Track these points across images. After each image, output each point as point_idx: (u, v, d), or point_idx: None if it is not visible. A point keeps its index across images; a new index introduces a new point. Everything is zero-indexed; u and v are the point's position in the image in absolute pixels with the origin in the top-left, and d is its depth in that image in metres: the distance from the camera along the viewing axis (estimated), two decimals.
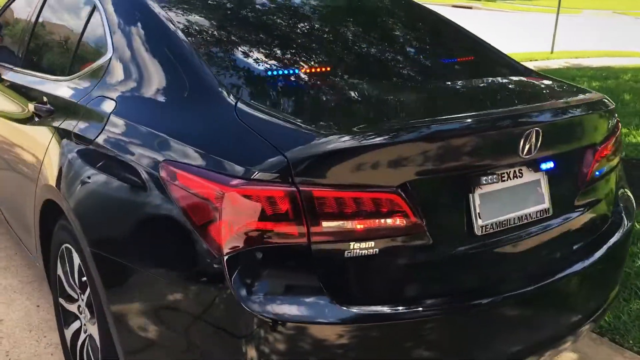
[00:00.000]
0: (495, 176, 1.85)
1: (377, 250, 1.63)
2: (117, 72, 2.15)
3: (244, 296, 1.54)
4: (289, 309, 1.56)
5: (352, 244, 1.60)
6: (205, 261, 1.61)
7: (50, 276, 2.56)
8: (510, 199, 1.90)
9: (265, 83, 2.03)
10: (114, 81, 2.15)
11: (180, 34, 2.08)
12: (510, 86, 2.44)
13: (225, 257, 1.56)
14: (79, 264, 2.18)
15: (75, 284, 2.32)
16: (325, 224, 1.57)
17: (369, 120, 1.89)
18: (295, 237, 1.56)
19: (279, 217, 1.55)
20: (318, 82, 2.09)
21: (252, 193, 1.54)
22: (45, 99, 2.53)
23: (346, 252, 1.60)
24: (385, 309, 1.64)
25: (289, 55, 2.21)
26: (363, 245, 1.61)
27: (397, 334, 1.66)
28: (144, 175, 1.79)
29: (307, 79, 2.09)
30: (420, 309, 1.68)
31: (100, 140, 2.03)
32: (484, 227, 1.82)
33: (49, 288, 2.67)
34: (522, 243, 1.92)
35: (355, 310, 1.60)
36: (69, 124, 2.26)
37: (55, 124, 2.37)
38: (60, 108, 2.43)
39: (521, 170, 1.92)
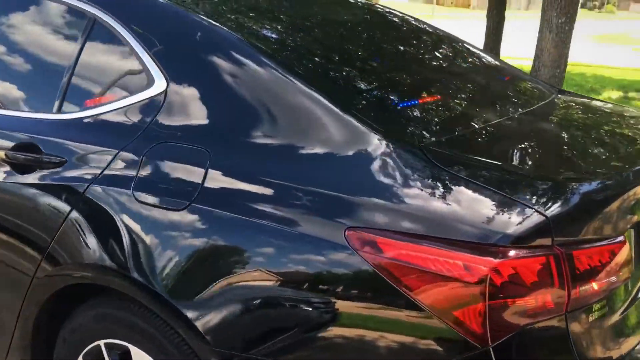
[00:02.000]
0: None
1: (612, 304, 1.54)
2: (188, 110, 1.73)
3: None
4: None
5: (596, 305, 1.47)
6: (456, 355, 1.35)
7: None
8: None
9: (440, 122, 1.84)
10: (185, 123, 1.73)
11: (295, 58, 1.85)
12: None
13: (493, 348, 1.32)
14: None
15: None
16: (582, 288, 1.41)
17: (595, 163, 1.78)
18: (557, 308, 1.38)
19: (543, 288, 1.36)
20: (501, 122, 1.90)
21: (519, 264, 1.33)
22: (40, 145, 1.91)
23: (590, 315, 1.46)
24: None
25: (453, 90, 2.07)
26: (601, 304, 1.48)
27: None
28: (307, 249, 1.46)
29: (484, 117, 1.92)
30: None
31: (204, 204, 1.58)
32: None
33: None
34: None
35: None
36: (110, 181, 1.74)
37: (76, 182, 1.80)
38: (77, 158, 1.85)
39: None
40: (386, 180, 1.48)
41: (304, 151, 1.60)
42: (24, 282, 1.87)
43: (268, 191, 1.55)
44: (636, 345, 1.68)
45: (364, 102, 1.77)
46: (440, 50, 2.51)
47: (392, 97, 1.86)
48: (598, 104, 2.60)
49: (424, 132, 1.73)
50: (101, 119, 1.87)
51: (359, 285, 1.42)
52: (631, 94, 10.40)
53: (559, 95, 2.45)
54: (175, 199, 1.64)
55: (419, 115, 1.81)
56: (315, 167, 1.57)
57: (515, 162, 1.69)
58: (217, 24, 1.88)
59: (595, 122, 2.24)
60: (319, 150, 1.58)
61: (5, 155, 1.95)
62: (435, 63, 2.38)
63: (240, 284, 1.52)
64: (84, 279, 1.80)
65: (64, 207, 1.82)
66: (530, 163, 1.72)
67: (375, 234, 1.39)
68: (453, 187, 1.45)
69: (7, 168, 1.96)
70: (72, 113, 1.94)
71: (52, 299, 1.84)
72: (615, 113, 2.39)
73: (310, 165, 1.58)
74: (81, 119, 1.90)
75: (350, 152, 1.55)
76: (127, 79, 1.90)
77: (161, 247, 1.64)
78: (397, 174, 1.48)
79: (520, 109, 2.10)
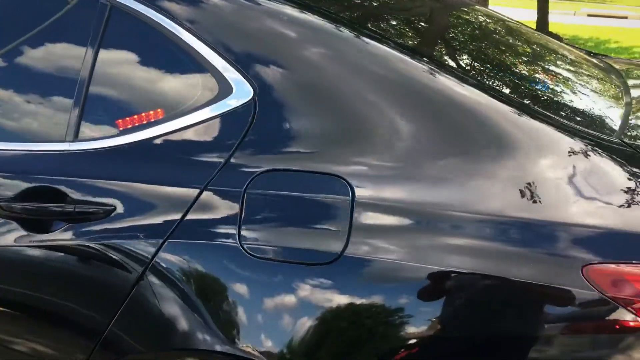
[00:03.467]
0: None
1: None
2: (299, 124, 1.25)
3: None
4: None
5: None
6: None
7: None
8: None
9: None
10: (297, 142, 1.25)
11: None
12: None
13: None
14: None
15: None
16: None
17: None
18: None
19: None
20: None
21: None
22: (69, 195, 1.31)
23: None
24: None
25: None
26: None
27: None
28: (535, 300, 1.13)
29: None
30: None
31: (359, 253, 1.15)
32: None
33: None
34: None
35: None
36: (199, 232, 1.23)
37: (141, 238, 1.26)
38: (133, 203, 1.29)
39: None
40: (610, 196, 1.17)
41: (500, 172, 1.18)
42: None
43: (454, 228, 1.14)
44: None
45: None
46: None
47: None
48: None
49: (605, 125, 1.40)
50: (156, 145, 1.30)
51: (609, 332, 1.10)
52: None
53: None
54: (314, 248, 1.16)
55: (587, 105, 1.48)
56: (512, 191, 1.15)
57: None
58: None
59: None
60: (519, 170, 1.18)
61: (8, 208, 1.35)
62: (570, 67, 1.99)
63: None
64: None
65: (125, 275, 1.27)
66: None
67: (624, 267, 1.08)
68: None
69: (15, 226, 1.34)
70: (102, 140, 1.34)
71: None
72: None
73: (506, 189, 1.16)
74: (121, 147, 1.31)
75: (564, 169, 1.20)
76: (186, 87, 1.34)
77: (299, 321, 1.17)
78: (623, 185, 1.18)
79: None
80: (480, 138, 1.22)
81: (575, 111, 1.48)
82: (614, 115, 1.50)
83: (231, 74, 1.28)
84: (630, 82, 1.88)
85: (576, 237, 1.11)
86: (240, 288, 1.20)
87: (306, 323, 1.17)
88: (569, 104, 1.53)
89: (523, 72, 1.68)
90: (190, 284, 1.23)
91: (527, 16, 10.43)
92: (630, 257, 1.09)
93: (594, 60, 2.08)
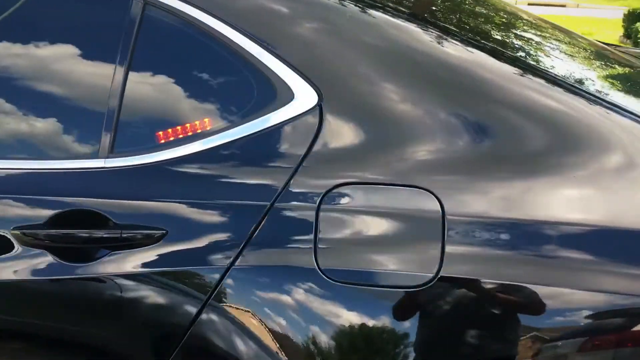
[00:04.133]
0: None
1: None
2: (374, 131, 1.14)
3: None
4: None
5: None
6: None
7: None
8: None
9: None
10: (373, 152, 1.12)
11: None
12: None
13: None
14: None
15: None
16: None
17: None
18: None
19: None
20: None
21: None
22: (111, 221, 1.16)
23: None
24: None
25: None
26: None
27: None
28: None
29: None
30: None
31: (458, 273, 1.05)
32: None
33: None
34: None
35: None
36: (267, 256, 1.11)
37: (200, 265, 1.12)
38: (188, 225, 1.15)
39: None
40: None
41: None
42: None
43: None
44: None
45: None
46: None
47: None
48: None
49: None
50: (208, 158, 1.16)
51: None
52: None
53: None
54: (405, 271, 1.05)
55: None
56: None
57: None
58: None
59: None
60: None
61: (32, 235, 1.18)
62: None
63: None
64: None
65: (184, 308, 1.13)
66: None
67: None
68: None
69: (44, 255, 1.18)
70: (143, 155, 1.18)
71: None
72: None
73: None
74: (166, 161, 1.17)
75: None
76: (240, 94, 1.20)
77: (388, 347, 1.06)
78: None
79: None
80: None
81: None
82: None
83: (291, 77, 1.16)
84: None
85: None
86: (320, 317, 1.09)
87: (398, 351, 1.07)
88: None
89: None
90: (261, 314, 1.10)
91: None
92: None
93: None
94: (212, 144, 1.16)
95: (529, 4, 15.87)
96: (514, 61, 1.32)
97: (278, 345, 1.10)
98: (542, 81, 1.23)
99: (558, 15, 13.25)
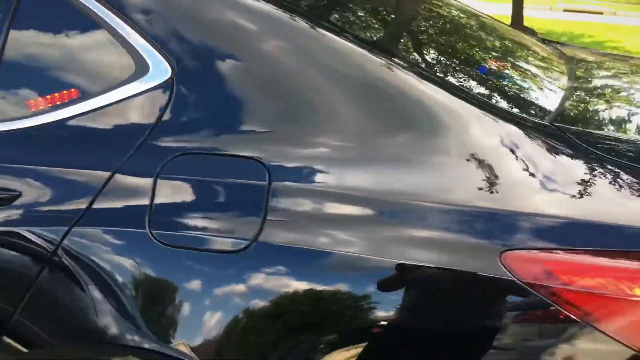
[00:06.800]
0: None
1: None
2: (217, 105, 1.19)
3: None
4: None
5: None
6: None
7: None
8: None
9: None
10: (214, 124, 1.18)
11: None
12: None
13: None
14: None
15: None
16: None
17: None
18: None
19: None
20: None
21: None
22: None
23: None
24: None
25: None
26: None
27: None
28: (450, 286, 1.07)
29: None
30: None
31: (273, 239, 1.08)
32: None
33: None
34: None
35: None
36: (106, 219, 1.17)
37: (45, 225, 1.18)
38: (40, 188, 1.21)
39: None
40: (539, 179, 1.11)
41: (421, 153, 1.13)
42: None
43: (372, 212, 1.08)
44: None
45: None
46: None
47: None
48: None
49: (541, 109, 1.36)
50: (66, 127, 1.23)
51: (530, 322, 1.06)
52: None
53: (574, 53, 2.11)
54: (226, 236, 1.09)
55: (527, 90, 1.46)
56: (438, 174, 1.11)
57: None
58: None
59: None
60: (442, 155, 1.13)
61: None
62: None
63: (343, 344, 1.07)
64: None
65: (30, 264, 1.20)
66: None
67: (539, 254, 1.03)
68: (623, 179, 1.11)
69: None
70: (10, 121, 1.25)
71: None
72: None
73: (434, 173, 1.11)
74: (28, 129, 1.24)
75: (482, 149, 1.14)
76: (97, 66, 1.25)
77: (211, 308, 1.10)
78: (548, 168, 1.14)
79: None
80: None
81: (512, 96, 1.44)
82: (550, 100, 1.46)
83: (148, 52, 1.21)
84: (578, 68, 1.85)
85: (493, 222, 1.06)
86: (148, 277, 1.14)
87: (215, 314, 1.11)
88: (509, 89, 1.49)
89: (466, 58, 1.64)
90: (96, 272, 1.16)
91: (503, 11, 10.45)
92: (551, 244, 1.04)
93: (545, 47, 2.04)
94: (68, 114, 1.22)
95: (565, 10, 15.64)
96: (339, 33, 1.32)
97: (109, 301, 1.15)
98: (368, 55, 1.24)
99: (592, 22, 13.01)
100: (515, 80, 1.60)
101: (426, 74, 1.32)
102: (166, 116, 1.18)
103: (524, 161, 1.14)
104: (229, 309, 1.10)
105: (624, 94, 1.70)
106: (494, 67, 1.62)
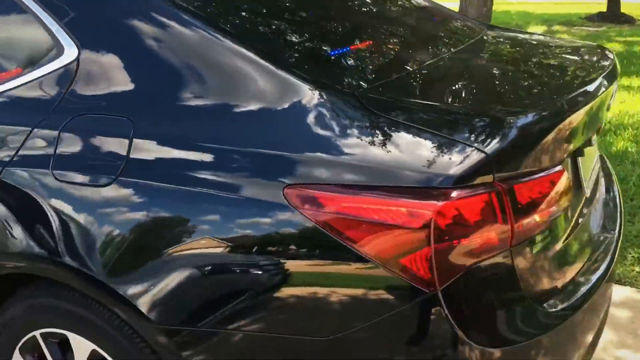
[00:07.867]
0: None
1: (555, 234, 1.58)
2: (105, 78, 1.59)
3: (470, 332, 1.34)
4: (511, 332, 1.42)
5: (539, 236, 1.49)
6: (406, 302, 1.33)
7: None
8: None
9: (374, 68, 1.74)
10: (102, 92, 1.59)
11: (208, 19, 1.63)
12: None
13: (442, 291, 1.31)
14: None
15: None
16: (525, 221, 1.39)
17: (529, 95, 1.76)
18: (502, 244, 1.36)
19: (487, 226, 1.33)
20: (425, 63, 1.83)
21: (462, 204, 1.30)
22: None
23: (534, 247, 1.49)
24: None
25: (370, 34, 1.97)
26: (544, 235, 1.52)
27: None
28: (249, 212, 1.38)
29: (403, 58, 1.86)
30: None
31: (132, 177, 1.48)
32: None
33: None
34: None
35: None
36: (26, 162, 1.62)
37: None
38: None
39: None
40: (322, 133, 1.40)
41: (236, 110, 1.49)
42: None
43: (202, 156, 1.45)
44: (580, 271, 1.71)
45: (295, 54, 1.65)
46: None
47: (323, 47, 1.76)
48: (526, 36, 2.56)
49: (358, 80, 1.64)
50: (8, 96, 1.72)
51: (304, 244, 1.37)
52: (555, 27, 10.71)
53: (489, 32, 2.39)
54: (99, 174, 1.52)
55: (352, 62, 1.73)
56: (248, 126, 1.47)
57: (451, 101, 1.65)
58: None
59: (526, 54, 2.20)
60: (251, 108, 1.47)
61: None
62: (365, 9, 2.27)
63: (180, 255, 1.43)
64: (9, 270, 1.68)
65: None
66: (466, 101, 1.67)
67: (314, 189, 1.33)
68: (391, 133, 1.39)
69: None
70: None
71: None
72: (543, 44, 2.36)
73: (244, 125, 1.47)
74: None
75: (283, 107, 1.46)
76: (32, 49, 1.73)
77: (91, 227, 1.52)
78: (334, 125, 1.41)
79: (452, 49, 2.03)
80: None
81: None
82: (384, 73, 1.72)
83: (62, 35, 1.64)
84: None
85: (281, 163, 1.37)
86: (49, 205, 1.58)
87: (99, 232, 1.51)
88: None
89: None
90: (22, 200, 1.61)
91: None
92: (322, 181, 1.33)
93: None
94: (4, 88, 1.72)
95: None
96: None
97: (33, 224, 1.61)
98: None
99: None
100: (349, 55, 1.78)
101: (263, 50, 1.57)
102: (72, 86, 1.62)
103: (316, 119, 1.42)
104: (100, 227, 1.51)
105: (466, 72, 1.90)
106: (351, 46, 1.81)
